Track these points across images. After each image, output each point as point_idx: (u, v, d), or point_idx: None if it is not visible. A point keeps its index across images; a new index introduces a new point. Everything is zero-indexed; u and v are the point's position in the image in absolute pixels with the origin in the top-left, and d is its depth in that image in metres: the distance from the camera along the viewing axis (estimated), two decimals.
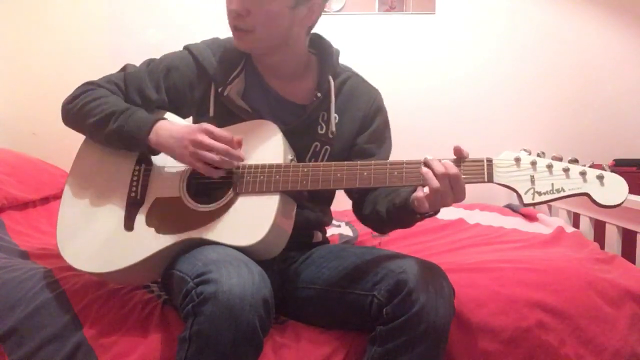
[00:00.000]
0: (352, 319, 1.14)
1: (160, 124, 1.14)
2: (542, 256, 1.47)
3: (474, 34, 2.58)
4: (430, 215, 1.11)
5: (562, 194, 0.97)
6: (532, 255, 1.49)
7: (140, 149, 1.17)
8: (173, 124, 1.15)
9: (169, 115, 1.24)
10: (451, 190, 1.00)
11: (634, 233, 1.60)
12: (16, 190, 1.83)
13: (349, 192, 1.31)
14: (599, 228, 1.87)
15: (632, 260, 1.56)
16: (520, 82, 2.59)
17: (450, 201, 1.01)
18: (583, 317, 1.22)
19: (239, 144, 1.11)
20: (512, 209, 2.26)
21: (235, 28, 1.17)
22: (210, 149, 1.07)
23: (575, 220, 2.07)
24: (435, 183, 0.99)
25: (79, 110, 1.19)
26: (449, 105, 2.59)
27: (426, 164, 1.03)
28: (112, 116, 1.15)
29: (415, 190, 1.07)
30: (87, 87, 1.24)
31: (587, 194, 0.96)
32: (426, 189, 1.03)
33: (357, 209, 1.30)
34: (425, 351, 1.02)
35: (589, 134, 2.57)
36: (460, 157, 1.03)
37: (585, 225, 1.92)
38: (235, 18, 1.15)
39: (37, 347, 1.08)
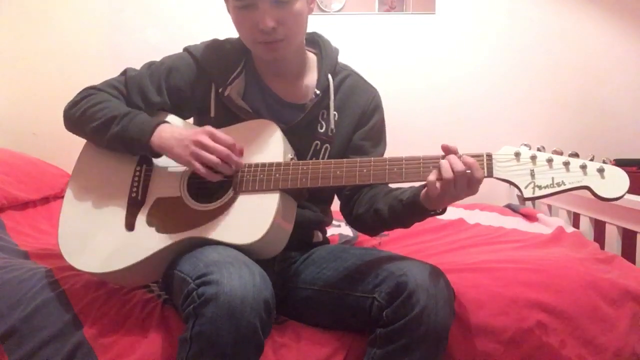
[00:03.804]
0: (351, 321, 1.14)
1: (163, 126, 1.14)
2: (542, 256, 1.47)
3: (474, 34, 2.58)
4: (439, 213, 1.10)
5: (562, 187, 0.97)
6: (532, 255, 1.49)
7: (142, 151, 1.17)
8: (175, 127, 1.15)
9: (170, 117, 1.24)
10: (467, 187, 0.99)
11: (634, 233, 1.60)
12: (16, 190, 1.83)
13: (339, 191, 1.31)
14: (599, 228, 1.87)
15: (632, 260, 1.56)
16: (521, 82, 2.59)
17: (464, 195, 1.00)
18: (583, 317, 1.22)
19: (241, 152, 1.11)
20: (512, 209, 2.26)
21: (266, 42, 1.15)
22: (211, 151, 1.07)
23: (575, 220, 2.07)
24: (449, 174, 0.98)
25: (81, 116, 1.20)
26: (449, 105, 2.59)
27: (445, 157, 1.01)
28: (113, 120, 1.15)
29: (423, 188, 1.07)
30: (88, 92, 1.23)
31: (587, 187, 0.96)
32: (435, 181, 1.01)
33: (347, 209, 1.29)
34: (425, 354, 1.02)
35: (589, 133, 2.57)
36: (449, 154, 1.03)
37: (585, 225, 1.92)
38: (268, 33, 1.13)
39: (37, 347, 1.08)
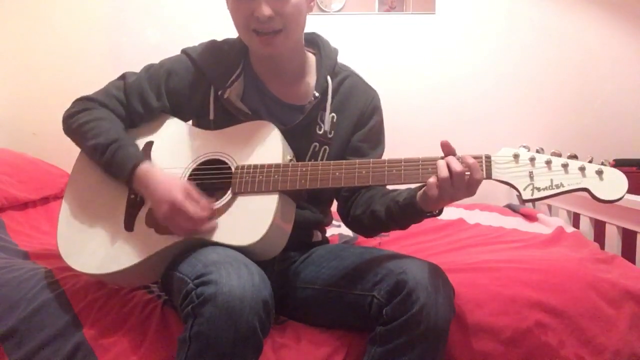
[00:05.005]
0: (351, 319, 1.14)
1: (139, 173, 1.12)
2: (542, 256, 1.47)
3: (474, 34, 2.58)
4: (435, 215, 1.11)
5: (561, 189, 0.97)
6: (532, 255, 1.49)
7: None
8: (150, 178, 1.12)
9: (170, 120, 1.24)
10: (465, 188, 0.99)
11: (634, 233, 1.60)
12: (16, 190, 1.83)
13: (337, 192, 1.30)
14: (599, 228, 1.87)
15: (632, 260, 1.56)
16: (520, 82, 2.59)
17: (462, 196, 1.00)
18: (583, 317, 1.22)
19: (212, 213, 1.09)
20: (512, 209, 2.26)
21: (261, 33, 1.14)
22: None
23: (575, 220, 2.07)
24: (445, 173, 0.98)
25: (75, 130, 1.20)
26: (448, 105, 2.59)
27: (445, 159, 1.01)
28: (99, 148, 1.15)
29: (420, 189, 1.07)
30: (85, 105, 1.22)
31: (586, 189, 0.96)
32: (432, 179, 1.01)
33: (344, 210, 1.28)
34: (425, 351, 1.02)
35: (589, 133, 2.57)
36: (448, 152, 1.03)
37: (585, 225, 1.92)
38: (264, 22, 1.13)
39: (37, 347, 1.08)
